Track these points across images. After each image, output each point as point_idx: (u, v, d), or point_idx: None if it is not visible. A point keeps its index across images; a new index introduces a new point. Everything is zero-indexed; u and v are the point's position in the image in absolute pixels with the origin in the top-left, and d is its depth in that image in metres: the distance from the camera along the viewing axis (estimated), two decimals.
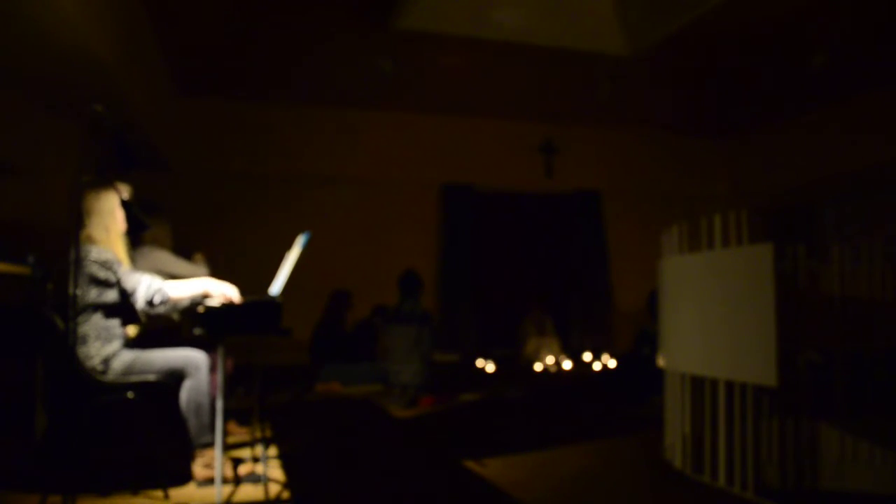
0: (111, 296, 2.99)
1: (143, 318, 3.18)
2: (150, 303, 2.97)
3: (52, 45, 4.10)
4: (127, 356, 2.99)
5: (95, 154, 5.85)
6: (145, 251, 3.86)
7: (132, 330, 3.26)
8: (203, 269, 4.08)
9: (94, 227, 3.03)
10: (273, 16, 5.85)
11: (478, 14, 6.01)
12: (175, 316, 3.36)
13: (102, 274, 2.95)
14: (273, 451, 3.75)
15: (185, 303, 3.03)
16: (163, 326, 3.57)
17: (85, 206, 3.02)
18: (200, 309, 2.85)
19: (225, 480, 2.95)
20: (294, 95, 7.84)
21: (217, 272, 3.67)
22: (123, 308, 3.03)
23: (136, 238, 3.59)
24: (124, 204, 3.03)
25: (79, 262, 2.82)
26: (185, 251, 4.33)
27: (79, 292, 2.93)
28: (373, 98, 7.94)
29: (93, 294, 2.95)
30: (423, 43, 6.34)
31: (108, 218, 3.05)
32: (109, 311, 3.00)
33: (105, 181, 3.08)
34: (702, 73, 7.24)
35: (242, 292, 3.00)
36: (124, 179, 3.24)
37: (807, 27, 5.94)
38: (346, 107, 8.16)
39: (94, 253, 2.96)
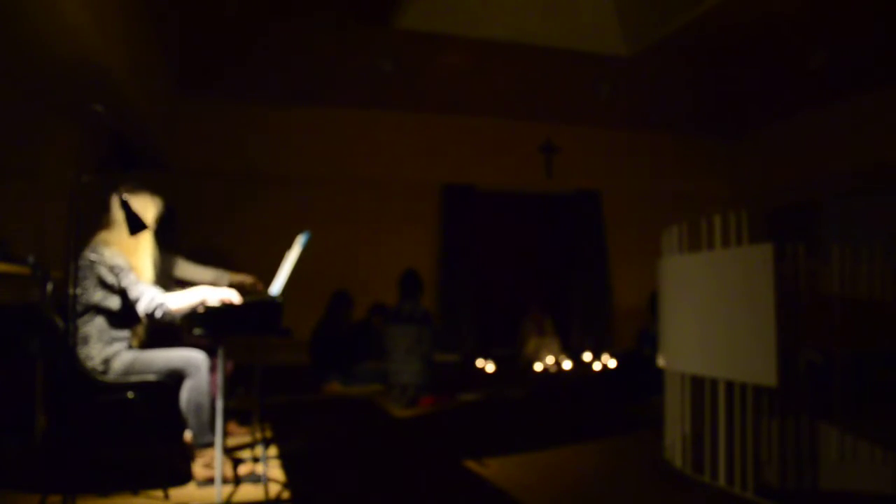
0: (114, 302, 3.01)
1: (143, 320, 3.18)
2: (150, 315, 2.97)
3: (53, 44, 4.09)
4: (127, 356, 3.00)
5: (95, 154, 5.86)
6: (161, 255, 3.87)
7: (136, 339, 3.26)
8: (215, 273, 4.06)
9: (118, 232, 3.03)
10: (273, 16, 5.85)
11: (478, 14, 6.01)
12: (176, 319, 3.36)
13: (110, 278, 2.97)
14: (273, 451, 3.75)
15: (186, 312, 3.04)
16: (164, 329, 3.57)
17: (114, 208, 3.04)
18: (200, 309, 2.86)
19: (225, 480, 2.95)
20: (294, 95, 7.84)
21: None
22: (125, 313, 3.04)
23: (169, 242, 3.61)
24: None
25: (78, 262, 2.82)
26: (188, 251, 4.33)
27: (81, 292, 2.94)
28: (373, 98, 7.94)
29: (98, 296, 2.96)
30: (423, 43, 6.34)
31: None
32: (113, 313, 3.01)
33: (139, 187, 3.10)
34: (702, 73, 7.24)
35: (242, 293, 3.00)
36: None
37: (807, 27, 5.94)
38: (346, 107, 8.16)
39: (108, 256, 2.97)
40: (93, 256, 2.98)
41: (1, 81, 4.58)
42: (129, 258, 3.04)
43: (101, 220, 3.10)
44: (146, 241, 3.14)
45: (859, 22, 5.85)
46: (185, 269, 3.90)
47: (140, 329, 3.23)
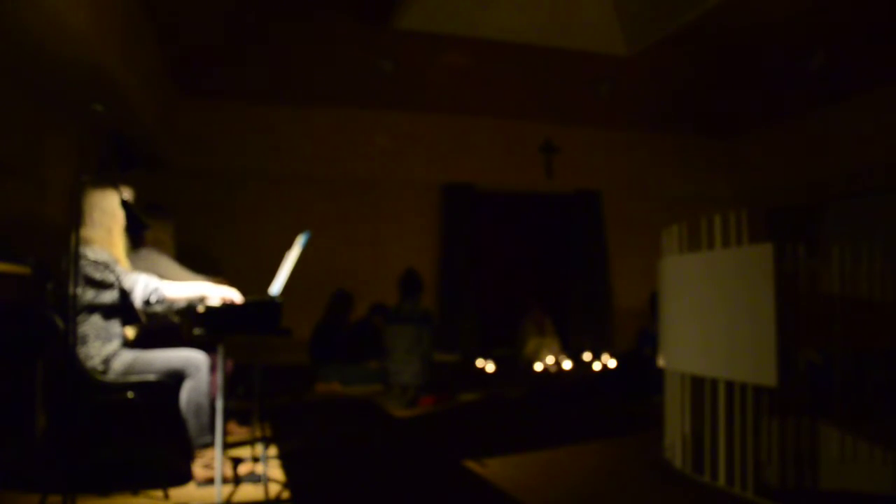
0: (108, 296, 2.99)
1: (142, 318, 3.19)
2: (146, 302, 2.98)
3: (53, 45, 4.09)
4: (127, 356, 3.00)
5: (95, 154, 5.85)
6: (144, 253, 3.85)
7: (130, 332, 3.26)
8: (204, 279, 4.06)
9: (94, 227, 3.03)
10: (273, 16, 5.85)
11: (478, 14, 6.01)
12: (174, 317, 3.37)
13: (98, 275, 2.95)
14: (273, 451, 3.75)
15: (182, 304, 3.04)
16: (162, 327, 3.57)
17: (86, 205, 3.03)
18: (200, 309, 2.86)
19: (225, 480, 2.95)
20: (294, 95, 7.83)
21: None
22: (122, 308, 3.04)
23: (137, 239, 3.59)
24: (123, 204, 3.03)
25: (77, 261, 2.82)
26: (188, 252, 4.33)
27: (78, 292, 2.93)
28: (373, 98, 7.94)
29: (89, 295, 2.95)
30: (423, 43, 6.34)
31: (110, 218, 3.05)
32: (108, 311, 3.00)
33: (107, 181, 3.08)
34: (702, 73, 7.24)
35: (242, 292, 3.00)
36: (125, 180, 3.25)
37: (807, 27, 5.94)
38: (346, 107, 8.15)
39: (90, 254, 2.96)
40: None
41: (1, 81, 4.58)
42: (113, 251, 3.04)
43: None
44: (120, 235, 3.11)
45: (859, 22, 5.85)
46: (167, 268, 3.88)
47: (130, 329, 3.24)
